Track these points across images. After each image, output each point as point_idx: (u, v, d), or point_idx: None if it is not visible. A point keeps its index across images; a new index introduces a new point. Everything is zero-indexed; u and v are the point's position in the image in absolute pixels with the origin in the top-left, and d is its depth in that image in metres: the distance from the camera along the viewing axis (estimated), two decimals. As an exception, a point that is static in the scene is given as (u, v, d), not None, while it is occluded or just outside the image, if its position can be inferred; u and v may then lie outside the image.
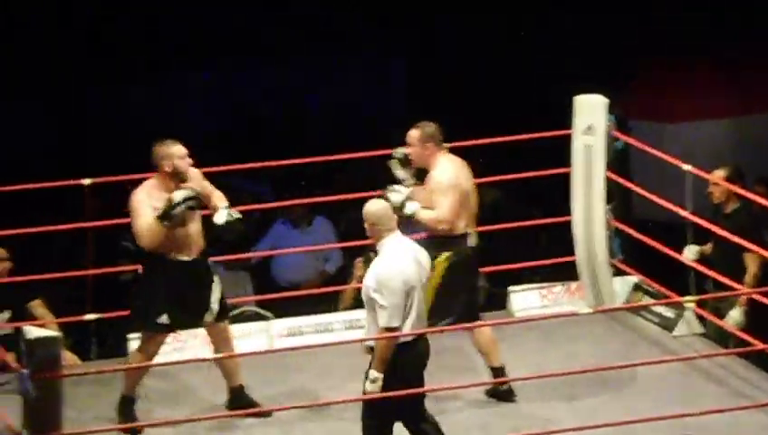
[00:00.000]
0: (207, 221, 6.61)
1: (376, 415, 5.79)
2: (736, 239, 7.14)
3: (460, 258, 6.55)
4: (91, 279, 7.51)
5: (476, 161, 6.94)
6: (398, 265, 5.76)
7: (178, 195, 6.38)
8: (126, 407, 6.58)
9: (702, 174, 7.40)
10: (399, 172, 6.69)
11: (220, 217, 6.54)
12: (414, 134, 6.62)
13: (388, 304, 5.71)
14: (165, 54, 11.19)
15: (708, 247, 7.51)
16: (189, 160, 6.51)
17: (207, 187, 6.64)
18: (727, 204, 7.48)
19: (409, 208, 6.55)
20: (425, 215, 6.56)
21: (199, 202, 6.47)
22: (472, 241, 6.61)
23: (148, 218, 6.38)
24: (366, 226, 5.87)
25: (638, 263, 7.83)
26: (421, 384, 5.87)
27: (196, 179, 6.59)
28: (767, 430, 6.32)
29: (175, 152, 6.45)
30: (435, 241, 6.55)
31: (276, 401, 6.70)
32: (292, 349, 7.00)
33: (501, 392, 6.70)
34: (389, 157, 6.78)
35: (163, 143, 6.49)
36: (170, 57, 11.18)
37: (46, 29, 10.89)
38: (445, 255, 6.53)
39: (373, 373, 5.76)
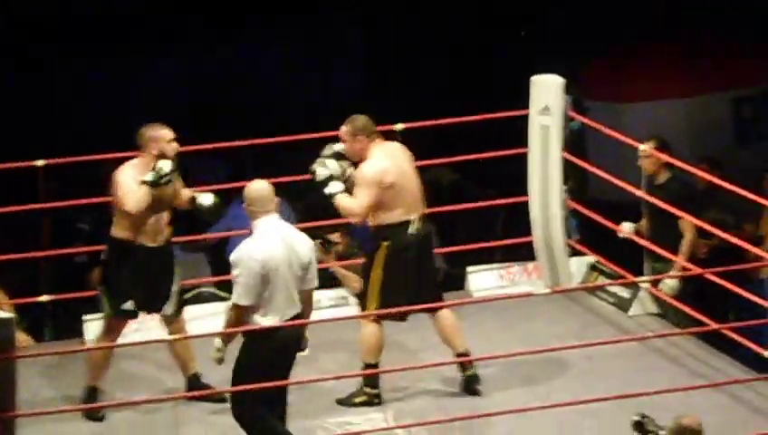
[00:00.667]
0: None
1: (245, 401, 5.84)
2: (671, 209, 7.20)
3: (400, 247, 6.50)
4: (45, 261, 7.46)
5: (434, 142, 6.90)
6: (260, 247, 5.81)
7: (166, 165, 6.41)
8: (90, 397, 6.55)
9: (657, 154, 7.45)
10: (329, 167, 6.55)
11: (207, 199, 6.60)
12: (344, 129, 6.55)
13: (240, 281, 5.80)
14: (124, 36, 11.12)
15: (643, 223, 7.56)
16: (176, 145, 6.52)
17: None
18: (658, 175, 7.52)
19: (331, 188, 6.51)
20: (341, 201, 6.51)
21: (176, 175, 6.51)
22: (413, 228, 6.54)
23: (135, 187, 6.40)
24: (244, 205, 5.93)
25: (593, 243, 7.87)
26: (284, 374, 5.87)
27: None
28: (720, 409, 6.37)
29: (163, 136, 6.47)
30: (374, 230, 6.53)
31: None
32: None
33: (465, 379, 6.63)
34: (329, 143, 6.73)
35: (152, 126, 6.51)
36: (128, 39, 11.10)
37: (8, 11, 10.80)
38: (383, 244, 6.50)
39: (217, 342, 5.91)
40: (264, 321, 5.83)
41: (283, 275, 5.82)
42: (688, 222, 7.30)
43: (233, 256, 5.85)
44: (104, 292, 6.57)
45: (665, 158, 7.42)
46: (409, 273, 6.53)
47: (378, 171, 6.47)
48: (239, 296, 5.82)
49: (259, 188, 5.92)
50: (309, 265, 5.92)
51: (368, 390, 6.53)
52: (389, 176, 6.48)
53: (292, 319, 5.88)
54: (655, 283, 7.43)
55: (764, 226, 8.34)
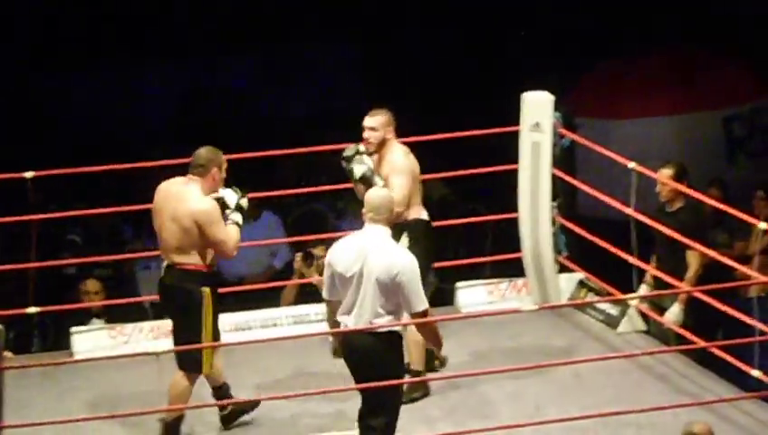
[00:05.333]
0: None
1: None
2: (679, 237, 7.20)
3: None
4: (33, 272, 7.46)
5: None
6: (334, 247, 5.96)
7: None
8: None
9: (647, 172, 7.45)
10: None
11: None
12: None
13: None
14: (111, 47, 11.14)
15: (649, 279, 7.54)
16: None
17: None
18: (672, 202, 7.53)
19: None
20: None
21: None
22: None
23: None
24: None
25: (582, 259, 7.88)
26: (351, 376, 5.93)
27: None
28: (707, 427, 6.37)
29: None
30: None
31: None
32: (239, 344, 6.98)
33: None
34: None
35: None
36: (116, 50, 11.12)
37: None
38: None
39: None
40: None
41: (347, 282, 5.83)
42: (695, 253, 7.26)
43: None
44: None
45: (683, 189, 7.37)
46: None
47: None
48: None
49: (368, 195, 5.97)
50: (384, 283, 5.79)
51: None
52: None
53: (357, 331, 5.82)
54: (660, 309, 7.40)
55: (753, 244, 8.36)
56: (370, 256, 5.84)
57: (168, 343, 6.82)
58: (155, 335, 7.41)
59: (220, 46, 11.39)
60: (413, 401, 6.56)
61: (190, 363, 6.30)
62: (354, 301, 5.85)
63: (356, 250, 5.87)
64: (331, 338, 6.07)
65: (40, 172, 7.25)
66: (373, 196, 5.96)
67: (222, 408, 6.51)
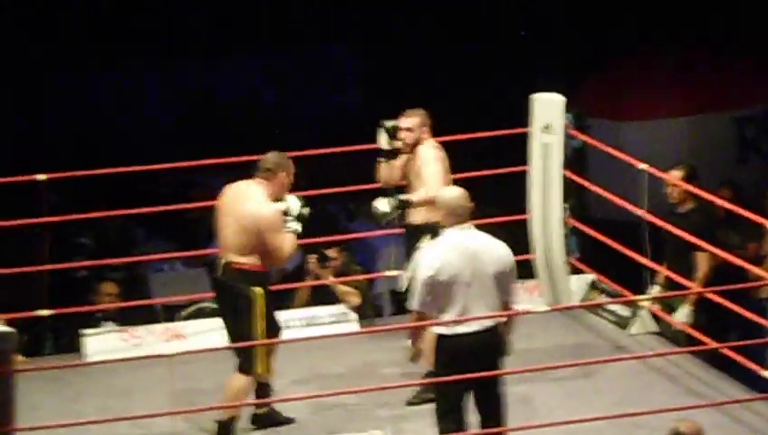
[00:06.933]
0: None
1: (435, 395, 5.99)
2: (690, 238, 7.20)
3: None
4: (46, 275, 7.48)
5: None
6: (431, 256, 5.81)
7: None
8: None
9: (657, 173, 7.45)
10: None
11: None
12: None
13: (415, 287, 5.86)
14: (123, 47, 11.18)
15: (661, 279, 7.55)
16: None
17: None
18: (683, 204, 7.54)
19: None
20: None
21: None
22: (218, 270, 6.43)
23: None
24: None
25: (593, 261, 7.87)
26: (460, 383, 5.87)
27: None
28: (719, 428, 6.36)
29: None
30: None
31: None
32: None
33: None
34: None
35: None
36: (129, 49, 11.15)
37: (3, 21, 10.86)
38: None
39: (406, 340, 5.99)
40: (438, 327, 5.84)
41: (460, 286, 5.76)
42: (704, 255, 7.28)
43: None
44: None
45: (693, 190, 7.38)
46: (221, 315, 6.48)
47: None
48: (410, 301, 5.89)
49: (450, 196, 5.90)
50: (500, 277, 5.83)
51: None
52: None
53: (479, 331, 5.83)
54: (670, 310, 7.41)
55: (766, 245, 8.34)
56: (479, 255, 5.79)
57: (178, 346, 6.83)
58: (166, 338, 7.43)
59: (227, 48, 11.43)
60: (429, 401, 6.56)
61: (243, 364, 6.32)
62: (467, 304, 5.78)
63: (460, 254, 5.77)
64: (410, 344, 5.99)
65: (52, 175, 7.27)
66: (446, 198, 5.87)
67: (257, 406, 6.50)
